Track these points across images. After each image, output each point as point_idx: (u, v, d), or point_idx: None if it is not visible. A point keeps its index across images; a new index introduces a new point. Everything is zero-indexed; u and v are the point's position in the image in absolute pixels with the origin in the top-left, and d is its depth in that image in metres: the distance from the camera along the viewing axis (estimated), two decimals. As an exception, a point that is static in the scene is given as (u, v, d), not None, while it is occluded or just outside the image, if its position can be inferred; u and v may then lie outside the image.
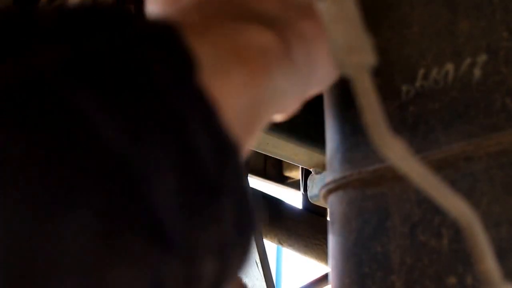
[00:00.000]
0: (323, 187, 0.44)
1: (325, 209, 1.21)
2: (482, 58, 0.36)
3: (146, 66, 0.21)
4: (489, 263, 0.27)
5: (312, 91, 0.34)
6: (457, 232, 0.34)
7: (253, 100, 0.26)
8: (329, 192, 0.43)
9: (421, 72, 0.38)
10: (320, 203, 1.06)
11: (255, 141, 0.27)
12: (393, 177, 0.37)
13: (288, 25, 0.30)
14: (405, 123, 0.38)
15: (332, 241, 0.42)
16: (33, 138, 0.17)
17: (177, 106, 0.21)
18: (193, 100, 0.21)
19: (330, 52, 0.21)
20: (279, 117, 0.35)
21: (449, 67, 0.37)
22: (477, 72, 0.36)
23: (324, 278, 1.14)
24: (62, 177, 0.17)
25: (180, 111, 0.21)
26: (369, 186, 0.39)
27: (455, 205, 0.25)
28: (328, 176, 0.43)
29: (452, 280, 0.34)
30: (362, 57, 0.21)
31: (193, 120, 0.21)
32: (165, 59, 0.21)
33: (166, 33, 0.22)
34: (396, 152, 0.23)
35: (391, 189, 0.38)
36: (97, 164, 0.18)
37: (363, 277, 0.38)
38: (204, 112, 0.22)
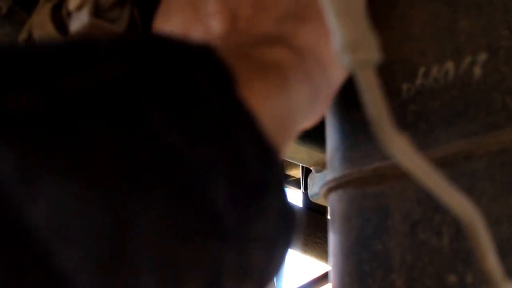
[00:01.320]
0: (323, 185, 0.44)
1: (325, 208, 1.20)
2: (483, 56, 0.36)
3: (194, 82, 0.23)
4: (491, 262, 0.27)
5: (334, 90, 0.35)
6: (457, 230, 0.34)
7: (282, 109, 0.28)
8: (330, 190, 0.43)
9: (422, 70, 0.38)
10: (321, 201, 1.06)
11: (287, 149, 0.30)
12: (394, 176, 0.37)
13: (290, 38, 0.32)
14: (405, 121, 0.38)
15: (332, 239, 0.42)
16: (113, 139, 0.19)
17: (224, 116, 0.23)
18: (236, 110, 0.24)
19: (335, 48, 0.22)
20: (308, 124, 0.36)
21: (450, 65, 0.37)
22: (477, 71, 0.36)
23: (325, 277, 1.14)
24: (138, 177, 0.19)
25: (227, 120, 0.23)
26: (370, 185, 0.39)
27: (458, 202, 0.25)
28: (329, 175, 0.43)
29: (452, 278, 0.34)
30: (367, 54, 0.21)
31: (239, 127, 0.24)
32: (210, 76, 0.24)
33: (208, 53, 0.25)
34: (400, 149, 0.23)
35: (392, 188, 0.38)
36: (164, 166, 0.20)
37: (363, 276, 0.38)
38: (247, 121, 0.24)
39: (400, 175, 0.37)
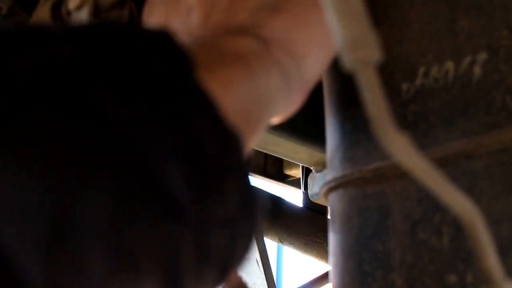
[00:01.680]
0: (323, 185, 0.44)
1: (325, 207, 1.20)
2: (482, 56, 0.36)
3: (148, 64, 0.23)
4: (491, 261, 0.27)
5: (309, 81, 0.35)
6: (457, 230, 0.34)
7: (247, 97, 0.28)
8: (330, 190, 0.43)
9: (422, 70, 0.38)
10: (321, 201, 1.06)
11: (256, 139, 0.30)
12: (394, 175, 0.38)
13: (259, 28, 0.33)
14: (405, 121, 0.38)
15: (332, 239, 0.42)
16: (60, 121, 0.19)
17: (179, 98, 0.23)
18: (193, 93, 0.24)
19: (336, 48, 0.22)
20: (282, 116, 0.36)
21: (449, 65, 0.37)
22: (477, 70, 0.36)
23: (325, 277, 1.14)
24: (85, 155, 0.19)
25: (182, 102, 0.23)
26: (370, 185, 0.39)
27: (458, 202, 0.25)
28: (329, 175, 0.43)
29: (452, 278, 0.34)
30: (368, 53, 0.21)
31: (195, 110, 0.23)
32: (165, 59, 0.24)
33: (164, 38, 0.25)
34: (401, 148, 0.23)
35: (392, 187, 0.38)
36: (112, 147, 0.20)
37: (363, 275, 0.38)
38: (204, 103, 0.24)
39: (401, 175, 0.37)
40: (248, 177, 0.26)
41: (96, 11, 0.35)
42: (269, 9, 0.34)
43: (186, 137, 0.23)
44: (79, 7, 0.34)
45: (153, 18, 0.36)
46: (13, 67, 0.19)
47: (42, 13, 0.39)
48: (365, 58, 0.21)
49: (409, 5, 0.39)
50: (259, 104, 0.30)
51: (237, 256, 0.26)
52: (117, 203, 0.20)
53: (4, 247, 0.17)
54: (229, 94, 0.27)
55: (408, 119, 0.38)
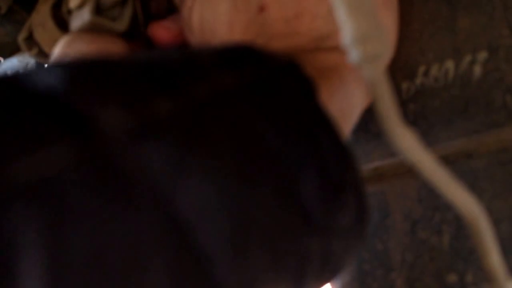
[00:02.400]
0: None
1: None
2: (483, 55, 0.36)
3: (286, 89, 0.26)
4: (494, 260, 0.27)
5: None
6: (458, 229, 0.34)
7: (343, 106, 0.31)
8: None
9: (421, 69, 0.38)
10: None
11: None
12: (394, 175, 0.38)
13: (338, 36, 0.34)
14: (405, 120, 0.38)
15: (332, 238, 0.42)
16: (234, 142, 0.22)
17: (310, 121, 0.26)
18: (320, 116, 0.26)
19: (344, 42, 0.22)
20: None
21: (449, 64, 0.37)
22: (477, 70, 0.36)
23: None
24: (252, 174, 0.22)
25: (312, 124, 0.26)
26: (370, 184, 0.39)
27: (462, 199, 0.25)
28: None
29: (452, 277, 0.34)
30: (376, 47, 0.21)
31: (322, 130, 0.26)
32: (297, 86, 0.27)
33: (293, 65, 0.27)
34: (407, 143, 0.23)
35: (392, 187, 0.38)
36: (268, 164, 0.23)
37: (363, 275, 0.38)
38: (328, 124, 0.26)
39: (401, 174, 0.37)
40: (364, 189, 0.28)
41: (98, 9, 0.35)
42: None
43: (316, 155, 0.25)
44: (80, 6, 0.34)
45: (207, 11, 0.34)
46: (196, 93, 0.22)
47: (42, 13, 0.39)
48: (373, 52, 0.21)
49: (409, 4, 0.39)
50: (351, 113, 0.32)
51: (348, 261, 0.28)
52: (272, 212, 0.22)
53: (207, 250, 0.19)
54: (331, 105, 0.29)
55: (408, 118, 0.38)
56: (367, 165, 0.39)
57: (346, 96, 0.31)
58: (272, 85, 0.26)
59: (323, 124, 0.26)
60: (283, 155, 0.23)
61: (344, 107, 0.31)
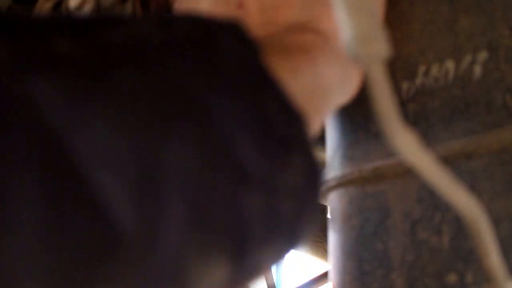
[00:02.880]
0: (323, 184, 0.44)
1: (325, 207, 1.20)
2: (483, 55, 0.36)
3: (223, 47, 0.25)
4: (494, 260, 0.27)
5: (359, 72, 0.37)
6: (458, 229, 0.34)
7: (312, 85, 0.31)
8: (330, 189, 0.43)
9: (422, 69, 0.38)
10: (320, 200, 1.06)
11: (320, 124, 0.32)
12: (394, 175, 0.37)
13: (318, 21, 0.35)
14: (405, 120, 0.38)
15: (332, 238, 0.42)
16: (150, 85, 0.21)
17: (249, 77, 0.25)
18: (261, 73, 0.26)
19: (343, 43, 0.22)
20: (343, 101, 0.37)
21: (450, 64, 0.37)
22: (477, 70, 0.36)
23: (325, 276, 1.14)
24: (170, 119, 0.22)
25: (252, 80, 0.25)
26: (370, 184, 0.39)
27: (462, 200, 0.25)
28: (329, 174, 0.43)
29: (452, 277, 0.34)
30: (376, 48, 0.21)
31: (263, 87, 0.26)
32: (237, 43, 0.26)
33: (235, 25, 0.27)
34: (407, 144, 0.22)
35: (392, 187, 0.38)
36: (193, 113, 0.22)
37: (363, 275, 0.38)
38: (271, 83, 0.26)
39: (401, 174, 0.37)
40: (313, 152, 0.27)
41: (98, 9, 0.35)
42: (320, 2, 0.35)
43: (255, 111, 0.25)
44: (80, 7, 0.34)
45: (191, 6, 0.36)
46: (106, 37, 0.22)
47: (42, 13, 0.39)
48: (373, 53, 0.21)
49: (409, 4, 0.39)
50: (323, 91, 0.32)
51: (304, 226, 0.27)
52: (196, 161, 0.22)
53: (96, 189, 0.19)
54: (294, 81, 0.29)
55: (408, 118, 0.38)
56: (367, 165, 0.39)
57: (315, 76, 0.31)
58: (207, 42, 0.25)
59: (266, 83, 0.26)
60: (215, 110, 0.23)
61: (314, 88, 0.31)
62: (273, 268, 1.15)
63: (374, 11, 0.22)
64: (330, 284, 0.42)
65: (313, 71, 0.31)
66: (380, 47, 0.21)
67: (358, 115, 0.41)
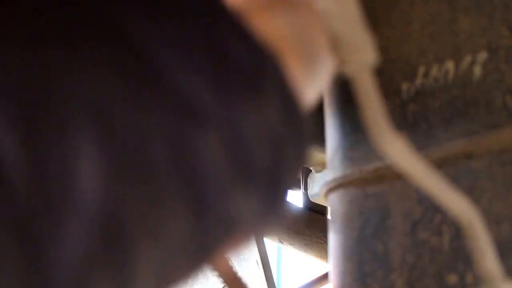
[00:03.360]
0: (323, 185, 0.44)
1: (325, 208, 1.20)
2: (482, 56, 0.36)
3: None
4: (490, 262, 0.27)
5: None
6: (458, 230, 0.34)
7: (292, 28, 0.27)
8: (330, 190, 0.43)
9: (422, 70, 0.38)
10: (321, 201, 1.06)
11: (314, 94, 0.29)
12: (394, 176, 0.37)
13: None
14: (405, 121, 0.38)
15: (333, 239, 0.42)
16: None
17: (207, 12, 0.23)
18: (224, 13, 0.23)
19: (331, 50, 0.22)
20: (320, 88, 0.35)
21: (449, 65, 0.37)
22: (477, 70, 0.36)
23: (325, 277, 1.14)
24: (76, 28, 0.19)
25: (211, 15, 0.23)
26: (370, 185, 0.39)
27: (456, 203, 0.25)
28: (329, 175, 0.43)
29: (452, 278, 0.34)
30: (363, 55, 0.21)
31: (224, 25, 0.23)
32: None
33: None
34: (396, 150, 0.22)
35: (392, 188, 0.38)
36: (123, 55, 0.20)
37: (364, 275, 0.38)
38: (234, 22, 0.23)
39: (401, 175, 0.37)
40: (292, 95, 0.24)
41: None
42: None
43: (208, 41, 0.22)
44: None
45: None
46: None
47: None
48: (360, 60, 0.21)
49: (410, 4, 0.39)
50: (310, 46, 0.28)
51: (285, 173, 0.24)
52: (127, 97, 0.19)
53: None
54: (270, 20, 0.26)
55: (408, 119, 0.38)
56: (368, 166, 0.39)
57: (296, 19, 0.28)
58: None
59: (228, 20, 0.23)
60: (152, 46, 0.20)
61: (296, 28, 0.28)
62: (273, 269, 1.15)
63: (361, 20, 0.22)
64: (330, 285, 0.42)
65: (293, 14, 0.28)
66: (367, 55, 0.22)
67: (358, 116, 0.41)
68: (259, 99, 0.23)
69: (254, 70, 0.23)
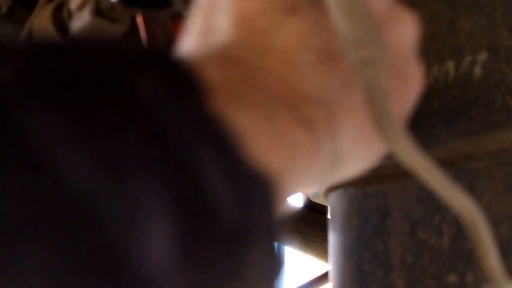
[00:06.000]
0: (323, 185, 0.44)
1: (325, 207, 1.20)
2: (483, 56, 0.36)
3: (131, 84, 0.17)
4: (492, 261, 0.27)
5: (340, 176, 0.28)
6: (458, 230, 0.34)
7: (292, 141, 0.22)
8: (330, 190, 0.43)
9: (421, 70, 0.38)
10: (321, 201, 1.06)
11: (309, 187, 0.24)
12: (394, 175, 0.37)
13: (331, 106, 0.24)
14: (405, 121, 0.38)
15: (332, 239, 0.42)
16: None
17: (176, 133, 0.17)
18: (200, 126, 0.18)
19: (340, 46, 0.21)
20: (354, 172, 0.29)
21: (450, 65, 0.37)
22: (477, 70, 0.36)
23: (325, 276, 1.14)
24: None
25: (181, 140, 0.17)
26: (370, 184, 0.39)
27: (460, 202, 0.25)
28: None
29: (452, 278, 0.34)
30: (371, 52, 0.21)
31: (200, 150, 0.17)
32: (162, 79, 0.18)
33: (164, 55, 0.19)
34: (403, 147, 0.22)
35: (392, 187, 0.38)
36: (70, 214, 0.15)
37: (363, 275, 0.38)
38: (216, 140, 0.18)
39: (401, 175, 0.37)
40: (275, 236, 0.20)
41: (98, 10, 0.35)
42: (342, 81, 0.25)
43: (179, 190, 0.16)
44: (80, 7, 0.34)
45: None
46: None
47: (43, 16, 0.39)
48: (369, 57, 0.21)
49: (410, 4, 0.39)
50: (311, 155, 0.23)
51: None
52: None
53: None
54: (259, 128, 0.20)
55: (408, 119, 0.38)
56: (367, 166, 0.39)
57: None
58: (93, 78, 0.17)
59: (205, 139, 0.18)
60: (92, 194, 0.15)
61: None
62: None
63: (370, 15, 0.22)
64: (330, 285, 0.42)
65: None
66: (375, 51, 0.21)
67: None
68: (243, 257, 0.18)
69: (241, 215, 0.18)
